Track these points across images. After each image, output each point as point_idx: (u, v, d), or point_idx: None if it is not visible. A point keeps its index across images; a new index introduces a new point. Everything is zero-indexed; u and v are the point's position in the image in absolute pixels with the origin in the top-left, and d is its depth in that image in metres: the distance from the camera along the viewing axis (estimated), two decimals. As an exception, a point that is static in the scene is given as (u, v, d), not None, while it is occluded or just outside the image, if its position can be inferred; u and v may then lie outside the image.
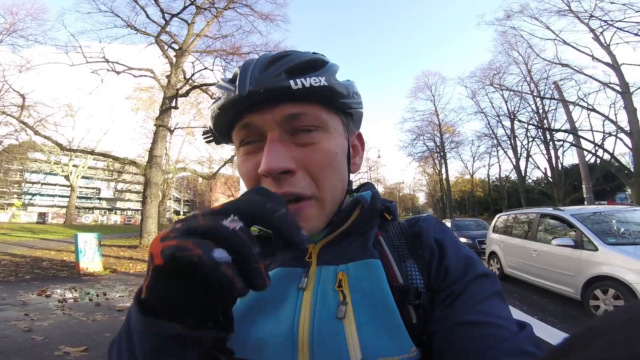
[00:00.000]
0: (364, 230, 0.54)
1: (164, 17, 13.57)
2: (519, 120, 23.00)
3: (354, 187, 0.61)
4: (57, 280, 6.62)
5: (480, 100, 27.05)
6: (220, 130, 0.54)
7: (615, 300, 4.16)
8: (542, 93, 20.68)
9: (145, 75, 14.30)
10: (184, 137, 28.75)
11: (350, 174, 0.58)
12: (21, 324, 3.84)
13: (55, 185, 42.35)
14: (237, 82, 0.47)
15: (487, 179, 35.59)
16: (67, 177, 32.08)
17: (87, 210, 46.21)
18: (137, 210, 51.72)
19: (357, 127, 0.61)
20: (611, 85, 14.94)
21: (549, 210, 6.10)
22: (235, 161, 0.61)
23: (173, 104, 13.14)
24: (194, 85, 14.03)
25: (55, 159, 31.08)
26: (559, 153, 21.11)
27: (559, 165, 21.24)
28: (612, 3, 13.54)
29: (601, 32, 14.85)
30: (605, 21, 14.13)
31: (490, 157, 32.51)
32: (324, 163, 0.49)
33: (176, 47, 14.00)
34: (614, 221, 5.05)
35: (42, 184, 39.87)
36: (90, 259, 7.47)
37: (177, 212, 52.82)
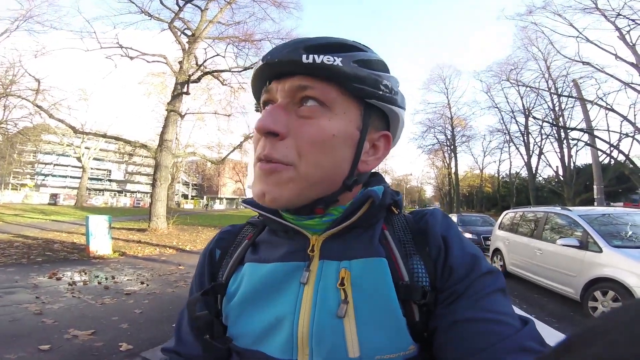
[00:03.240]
0: (369, 224, 0.53)
1: (177, 3, 13.47)
2: (534, 117, 22.53)
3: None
4: (68, 263, 6.77)
5: (495, 95, 26.77)
6: (257, 94, 0.57)
7: (614, 302, 4.15)
8: (559, 91, 20.22)
9: (158, 61, 14.28)
10: (194, 122, 28.92)
11: (359, 170, 0.54)
12: (32, 306, 3.95)
13: (67, 166, 43.06)
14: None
15: (497, 175, 35.11)
16: (79, 159, 32.61)
17: (98, 191, 47.06)
18: (147, 192, 52.32)
19: (390, 128, 0.57)
20: (633, 85, 14.55)
21: (556, 209, 6.04)
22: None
23: (185, 90, 13.19)
24: (206, 71, 14.06)
25: (68, 141, 31.53)
26: (573, 152, 20.79)
27: (572, 164, 20.92)
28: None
29: (628, 32, 14.44)
30: (633, 20, 13.70)
31: (501, 153, 32.12)
32: (313, 138, 0.48)
33: (189, 33, 13.95)
34: (622, 224, 4.98)
35: (55, 164, 40.50)
36: (100, 242, 7.62)
37: (185, 196, 53.45)
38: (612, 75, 15.47)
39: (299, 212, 0.52)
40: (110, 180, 51.39)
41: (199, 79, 13.90)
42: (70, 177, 44.98)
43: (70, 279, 5.40)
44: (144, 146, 14.06)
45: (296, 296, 0.49)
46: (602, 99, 15.37)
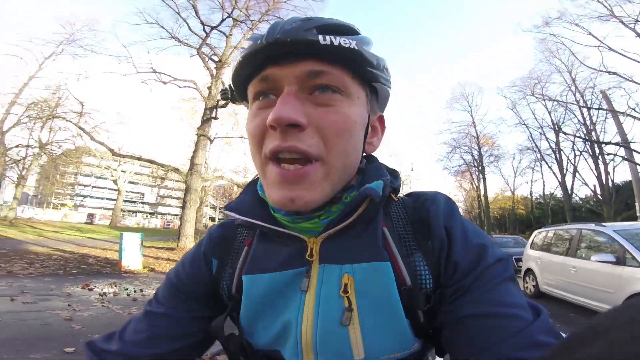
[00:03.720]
0: (369, 219, 0.50)
1: (204, 30, 14.33)
2: (564, 133, 21.50)
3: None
4: (100, 275, 7.09)
5: (521, 110, 25.63)
6: (239, 83, 0.51)
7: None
8: (588, 103, 19.43)
9: (188, 87, 15.09)
10: (222, 146, 29.90)
11: (366, 152, 0.55)
12: (64, 313, 4.14)
13: (104, 188, 45.36)
14: (265, 32, 0.45)
15: (529, 197, 33.52)
16: (115, 182, 34.29)
17: (131, 213, 49.00)
18: (176, 215, 54.16)
19: (381, 108, 0.58)
20: None
21: (590, 226, 5.83)
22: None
23: (213, 115, 13.69)
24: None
25: (106, 164, 33.32)
26: (609, 168, 19.59)
27: (609, 181, 19.69)
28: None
29: None
30: None
31: (533, 173, 30.48)
32: (339, 126, 0.46)
33: (216, 59, 14.70)
34: None
35: (93, 186, 42.82)
36: (132, 257, 7.93)
37: (212, 219, 54.68)
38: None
39: (318, 208, 0.48)
40: (143, 203, 53.53)
41: (226, 104, 14.47)
42: (107, 198, 47.28)
43: (102, 290, 5.64)
44: (175, 170, 14.66)
45: (298, 304, 0.48)
46: (634, 110, 14.60)
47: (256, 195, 0.55)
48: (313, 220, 0.49)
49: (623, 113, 14.49)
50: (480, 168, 33.15)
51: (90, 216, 38.10)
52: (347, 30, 0.47)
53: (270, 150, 0.45)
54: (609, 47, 15.27)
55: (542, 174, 29.54)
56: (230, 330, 0.55)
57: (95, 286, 5.86)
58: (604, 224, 5.86)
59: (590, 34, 15.64)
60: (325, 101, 0.46)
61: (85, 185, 42.80)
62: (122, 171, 34.95)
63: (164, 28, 14.24)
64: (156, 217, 51.44)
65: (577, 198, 25.83)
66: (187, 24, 14.37)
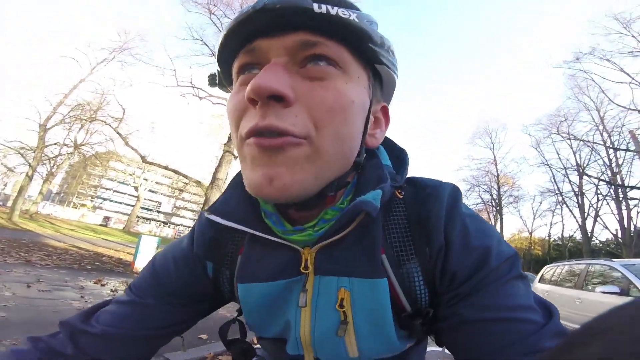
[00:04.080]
0: (368, 225, 0.46)
1: None
2: (588, 176, 20.71)
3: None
4: (113, 273, 7.23)
5: (545, 150, 24.90)
6: (224, 60, 0.46)
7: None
8: (615, 143, 18.73)
9: (220, 103, 15.69)
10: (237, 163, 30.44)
11: (367, 144, 0.48)
12: (76, 303, 4.26)
13: (124, 194, 46.61)
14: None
15: (547, 238, 32.09)
16: (136, 188, 35.17)
17: (146, 220, 49.88)
18: (188, 227, 54.78)
19: (386, 97, 0.52)
20: None
21: (599, 261, 5.92)
22: None
23: None
24: None
25: (131, 170, 34.32)
26: (633, 212, 18.87)
27: (632, 225, 18.90)
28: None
29: None
30: None
31: (553, 216, 29.21)
32: (332, 104, 0.39)
33: None
34: None
35: (114, 191, 44.08)
36: (146, 259, 8.04)
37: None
38: None
39: (307, 205, 0.42)
40: (158, 212, 54.56)
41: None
42: (125, 203, 48.52)
43: (113, 286, 5.74)
44: (197, 182, 15.01)
45: (295, 313, 0.47)
46: None
47: (244, 192, 0.46)
48: (306, 232, 0.45)
49: None
50: (498, 208, 32.06)
51: (106, 219, 39.07)
52: (349, 4, 0.42)
53: (247, 130, 0.38)
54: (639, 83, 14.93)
55: (562, 217, 28.45)
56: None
57: (107, 282, 6.00)
58: (613, 259, 5.90)
59: (622, 70, 15.31)
60: (318, 74, 0.40)
61: (107, 189, 44.02)
62: (144, 179, 35.93)
63: (206, 45, 15.04)
64: (169, 226, 52.19)
65: (597, 241, 24.83)
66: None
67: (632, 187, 16.42)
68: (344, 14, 0.39)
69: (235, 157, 14.73)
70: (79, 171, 27.78)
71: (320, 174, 0.40)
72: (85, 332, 0.50)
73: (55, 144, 19.11)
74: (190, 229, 0.59)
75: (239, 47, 0.42)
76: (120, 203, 48.86)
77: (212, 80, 0.52)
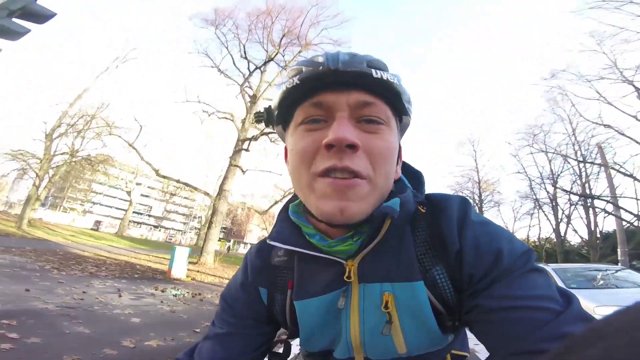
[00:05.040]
0: (400, 234, 0.55)
1: (248, 68, 15.97)
2: (561, 189, 22.45)
3: None
4: (156, 281, 8.24)
5: (523, 158, 26.41)
6: (285, 107, 0.54)
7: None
8: (585, 154, 20.28)
9: (226, 118, 16.38)
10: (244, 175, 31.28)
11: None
12: (164, 307, 5.31)
13: (114, 197, 46.52)
14: (324, 60, 0.50)
15: (527, 239, 34.37)
16: (128, 193, 35.42)
17: (137, 224, 49.95)
18: (179, 230, 55.26)
19: (402, 137, 0.61)
20: None
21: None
22: (287, 162, 0.59)
23: (245, 147, 14.74)
24: (263, 132, 15.98)
25: (124, 175, 34.38)
26: (599, 218, 20.87)
27: (597, 230, 21.08)
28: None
29: None
30: None
31: (531, 219, 31.17)
32: (385, 151, 0.50)
33: (250, 92, 16.03)
34: (586, 274, 5.94)
35: (105, 195, 43.97)
36: (179, 267, 9.24)
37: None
38: (632, 139, 15.37)
39: (355, 224, 0.50)
40: (149, 215, 54.51)
41: (256, 138, 15.14)
42: (115, 207, 48.38)
43: (170, 292, 6.85)
44: (206, 194, 15.86)
45: (344, 321, 0.55)
46: (618, 164, 15.39)
47: (290, 222, 0.60)
48: (347, 242, 0.53)
49: (609, 167, 15.32)
50: (480, 211, 33.83)
51: (97, 223, 39.34)
52: (384, 67, 0.53)
53: (326, 168, 0.48)
54: (606, 100, 15.94)
55: (539, 220, 30.48)
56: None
57: (164, 289, 7.07)
58: (550, 264, 7.04)
59: (592, 86, 16.19)
60: (373, 130, 0.50)
61: (98, 193, 43.95)
62: (137, 184, 36.18)
63: (211, 59, 15.96)
64: (160, 230, 52.39)
65: (572, 242, 26.92)
66: (233, 59, 16.13)
67: (596, 197, 17.95)
68: (391, 79, 0.51)
69: (244, 171, 15.56)
70: (71, 175, 27.56)
71: (374, 203, 0.51)
72: None
73: (63, 153, 19.70)
74: (241, 265, 0.70)
75: (302, 97, 0.52)
76: (111, 207, 48.73)
77: (260, 118, 0.61)
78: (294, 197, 0.65)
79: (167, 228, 56.01)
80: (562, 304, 0.43)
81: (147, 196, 47.68)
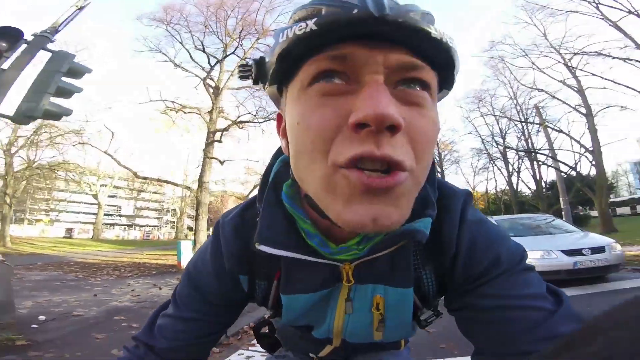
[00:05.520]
0: (402, 246, 0.48)
1: (209, 62, 16.05)
2: (506, 146, 25.36)
3: None
4: (170, 274, 9.02)
5: (474, 119, 28.97)
6: (288, 60, 0.38)
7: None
8: (526, 113, 22.97)
9: (193, 112, 16.47)
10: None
11: None
12: None
13: (79, 202, 44.81)
14: (361, 1, 0.33)
15: (486, 192, 38.01)
16: (94, 196, 34.52)
17: (109, 226, 48.72)
18: (155, 226, 54.69)
19: None
20: (578, 108, 17.17)
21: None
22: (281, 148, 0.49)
23: (217, 138, 15.08)
24: (234, 121, 16.16)
25: (86, 179, 33.37)
26: (543, 170, 23.83)
27: (542, 181, 24.14)
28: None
29: (569, 59, 16.94)
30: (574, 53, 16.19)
31: (488, 173, 34.54)
32: (430, 134, 0.37)
33: (213, 84, 16.07)
34: (519, 224, 6.88)
35: (68, 201, 42.24)
36: (187, 259, 10.07)
37: (190, 228, 55.11)
38: (562, 100, 18.22)
39: None
40: (120, 215, 53.09)
41: (227, 128, 15.71)
42: (83, 212, 46.68)
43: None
44: (188, 188, 16.43)
45: (330, 314, 0.55)
46: (549, 123, 17.93)
47: (283, 211, 0.48)
48: (352, 252, 0.45)
49: (546, 126, 17.47)
50: (440, 170, 36.89)
51: (69, 230, 38.23)
52: (435, 23, 0.37)
53: (354, 156, 0.33)
54: (539, 67, 18.65)
55: (494, 173, 33.86)
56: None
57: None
58: (494, 216, 8.24)
59: (525, 55, 18.68)
60: (415, 98, 0.36)
61: (60, 200, 42.13)
62: (102, 185, 35.23)
63: (164, 54, 15.83)
64: (134, 229, 51.56)
65: (525, 193, 29.91)
66: (190, 54, 16.12)
67: (536, 152, 20.74)
68: (450, 42, 0.36)
69: (222, 163, 15.73)
70: (30, 186, 26.37)
71: (412, 203, 0.38)
72: (154, 347, 0.59)
73: (27, 167, 19.24)
74: (209, 240, 0.60)
75: (316, 48, 0.36)
76: (78, 213, 46.92)
77: (245, 72, 0.44)
78: (285, 165, 0.52)
79: (141, 225, 55.00)
80: (553, 302, 0.42)
81: (114, 196, 46.09)
